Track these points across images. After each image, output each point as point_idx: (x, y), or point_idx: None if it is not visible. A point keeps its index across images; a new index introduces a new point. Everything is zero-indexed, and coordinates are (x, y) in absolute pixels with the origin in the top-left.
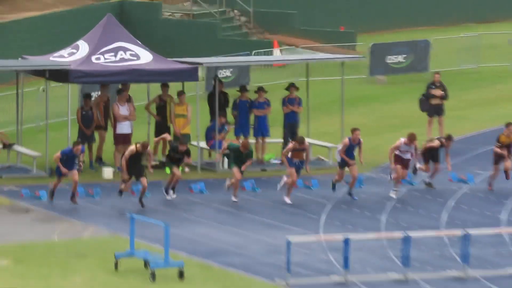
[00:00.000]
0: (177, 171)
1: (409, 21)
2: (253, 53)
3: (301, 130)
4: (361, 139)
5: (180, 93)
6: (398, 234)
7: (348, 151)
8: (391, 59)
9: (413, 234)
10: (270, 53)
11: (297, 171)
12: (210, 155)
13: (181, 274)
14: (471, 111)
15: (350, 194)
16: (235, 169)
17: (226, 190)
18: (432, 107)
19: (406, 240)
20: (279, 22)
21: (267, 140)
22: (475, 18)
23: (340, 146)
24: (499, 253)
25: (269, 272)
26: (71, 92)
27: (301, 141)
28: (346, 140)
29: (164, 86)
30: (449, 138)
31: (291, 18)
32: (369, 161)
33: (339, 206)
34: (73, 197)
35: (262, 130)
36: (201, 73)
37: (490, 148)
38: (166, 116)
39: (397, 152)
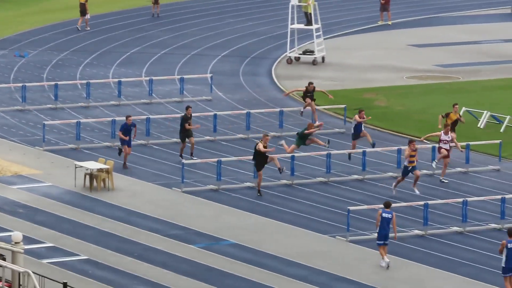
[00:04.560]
0: None
1: None
2: None
3: None
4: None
5: None
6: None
7: (357, 128)
8: None
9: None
10: None
11: (406, 174)
12: None
13: None
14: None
15: (372, 145)
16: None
17: None
18: None
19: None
20: None
21: None
22: None
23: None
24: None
25: None
26: None
27: (412, 141)
28: (357, 117)
29: None
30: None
31: None
32: None
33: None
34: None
35: None
36: None
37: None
38: None
39: (441, 144)
